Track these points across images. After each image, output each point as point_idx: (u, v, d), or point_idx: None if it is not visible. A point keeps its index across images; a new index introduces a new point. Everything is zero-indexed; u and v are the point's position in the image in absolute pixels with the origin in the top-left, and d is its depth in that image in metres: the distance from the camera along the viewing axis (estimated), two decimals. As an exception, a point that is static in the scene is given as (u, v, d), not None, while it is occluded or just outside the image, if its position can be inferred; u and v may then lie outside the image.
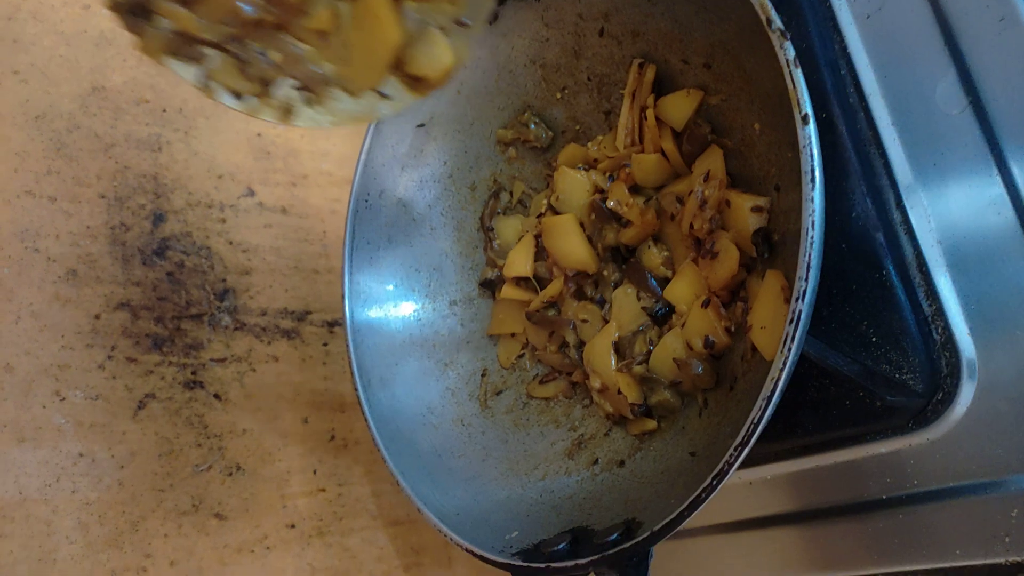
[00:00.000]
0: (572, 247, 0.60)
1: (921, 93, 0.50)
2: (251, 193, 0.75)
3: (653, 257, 0.57)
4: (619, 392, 0.55)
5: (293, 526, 0.67)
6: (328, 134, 0.82)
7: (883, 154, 0.51)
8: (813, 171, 0.38)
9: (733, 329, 0.52)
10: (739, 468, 0.39)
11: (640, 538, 0.42)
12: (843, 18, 0.53)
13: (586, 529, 0.50)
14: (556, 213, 0.62)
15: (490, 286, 0.67)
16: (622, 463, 0.55)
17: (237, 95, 0.40)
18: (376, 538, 0.71)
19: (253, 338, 0.71)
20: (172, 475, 0.63)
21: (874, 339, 0.49)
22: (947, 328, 0.48)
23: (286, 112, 0.41)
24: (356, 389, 0.59)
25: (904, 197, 0.50)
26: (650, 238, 0.57)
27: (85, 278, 0.63)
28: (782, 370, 0.38)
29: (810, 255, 0.38)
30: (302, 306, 0.75)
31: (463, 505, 0.55)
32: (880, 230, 0.49)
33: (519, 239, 0.65)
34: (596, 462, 0.57)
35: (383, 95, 0.40)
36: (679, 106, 0.55)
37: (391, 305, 0.65)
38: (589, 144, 0.63)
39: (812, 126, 0.39)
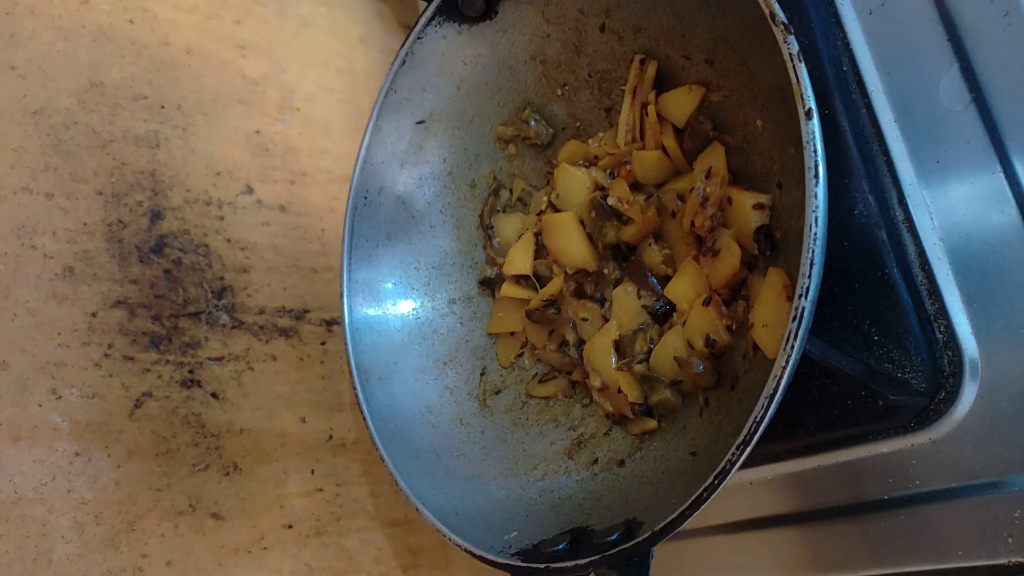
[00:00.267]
0: (572, 245, 0.59)
1: (924, 89, 0.49)
2: (249, 191, 0.75)
3: (654, 255, 0.56)
4: (619, 391, 0.55)
5: (290, 526, 0.67)
6: (327, 132, 0.82)
7: (885, 151, 0.51)
8: (817, 166, 0.38)
9: (734, 327, 0.51)
10: (740, 468, 0.39)
11: (641, 538, 0.42)
12: (846, 14, 0.53)
13: (586, 529, 0.49)
14: (556, 211, 0.62)
15: (489, 284, 0.67)
16: (622, 463, 0.55)
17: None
18: (374, 539, 0.71)
19: (251, 337, 0.70)
20: (169, 475, 0.62)
21: (876, 338, 0.48)
22: (950, 327, 0.47)
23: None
24: (354, 388, 0.59)
25: (907, 194, 0.50)
26: (651, 236, 0.57)
27: (82, 275, 0.63)
28: (785, 368, 0.37)
29: (813, 251, 0.37)
30: (300, 305, 0.74)
31: (462, 505, 0.55)
32: (882, 228, 0.49)
33: (519, 237, 0.65)
34: (596, 462, 0.56)
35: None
36: (680, 102, 0.55)
37: (390, 303, 0.65)
38: (590, 141, 0.62)
39: (816, 121, 0.38)
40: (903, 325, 0.47)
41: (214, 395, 0.66)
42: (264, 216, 0.75)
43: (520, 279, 0.64)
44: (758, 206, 0.49)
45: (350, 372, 0.60)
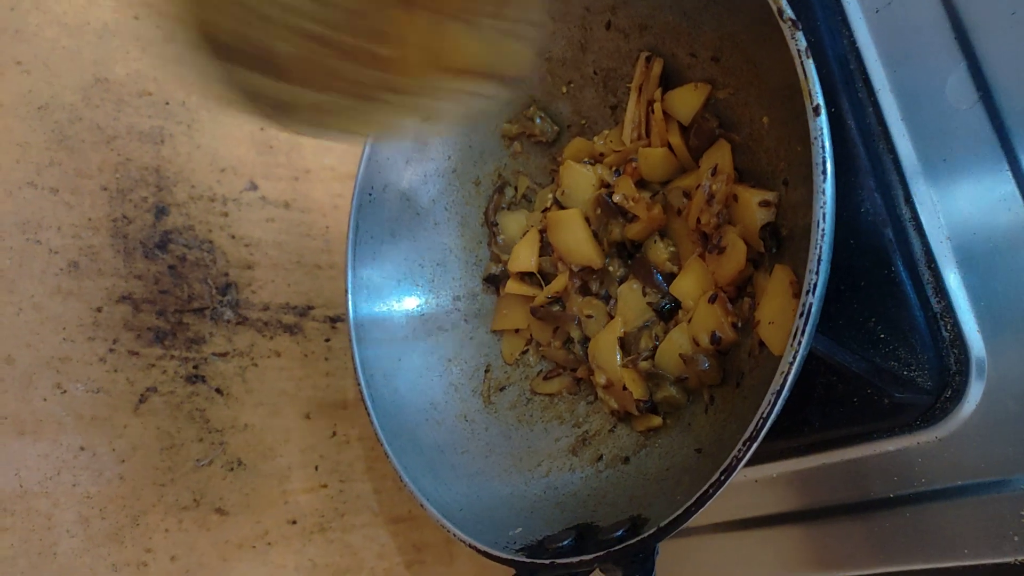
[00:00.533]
0: (577, 242, 0.59)
1: (931, 87, 0.49)
2: (254, 187, 0.75)
3: (659, 252, 0.56)
4: (624, 388, 0.55)
5: (294, 522, 0.67)
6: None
7: (892, 149, 0.50)
8: (825, 163, 0.38)
9: (740, 325, 0.51)
10: (745, 466, 0.39)
11: (646, 535, 0.42)
12: (852, 12, 0.53)
13: (591, 526, 0.49)
14: (561, 208, 0.62)
15: (494, 281, 0.67)
16: (627, 460, 0.55)
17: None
18: (378, 535, 0.71)
19: (255, 333, 0.70)
20: (173, 470, 0.62)
21: (882, 336, 0.48)
22: (956, 325, 0.47)
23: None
24: (359, 384, 0.59)
25: (913, 193, 0.50)
26: (656, 233, 0.57)
27: (87, 270, 0.63)
28: (792, 364, 0.37)
29: (821, 248, 0.37)
30: (304, 301, 0.74)
31: (466, 501, 0.55)
32: (889, 226, 0.49)
33: (523, 234, 0.65)
34: (601, 458, 0.56)
35: (472, 92, 0.42)
36: (686, 100, 0.55)
37: (394, 300, 0.65)
38: (595, 138, 0.62)
39: (824, 117, 0.38)
40: (909, 323, 0.47)
41: (218, 391, 0.66)
42: (268, 212, 0.75)
43: (525, 276, 0.64)
44: (764, 203, 0.49)
45: (354, 368, 0.60)
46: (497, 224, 0.67)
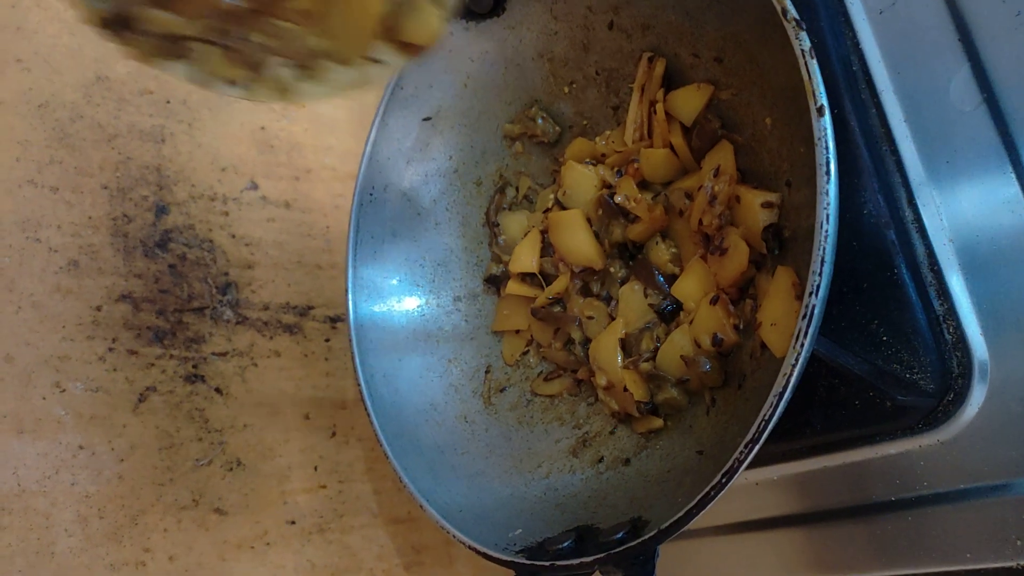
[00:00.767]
0: (578, 243, 0.59)
1: (934, 89, 0.49)
2: (254, 186, 0.74)
3: (661, 253, 0.56)
4: (625, 389, 0.55)
5: (293, 522, 0.67)
6: (332, 128, 0.82)
7: (895, 151, 0.50)
8: (828, 163, 0.38)
9: (742, 327, 0.51)
10: (746, 468, 0.39)
11: (646, 537, 0.42)
12: (856, 13, 0.53)
13: (591, 528, 0.49)
14: (563, 208, 0.62)
15: (495, 282, 0.67)
16: (628, 461, 0.55)
17: (231, 82, 0.40)
18: (377, 536, 0.71)
19: (255, 332, 0.70)
20: (172, 469, 0.62)
21: (884, 338, 0.48)
22: (959, 328, 0.47)
23: (282, 90, 0.41)
24: (359, 384, 0.59)
25: (916, 195, 0.49)
26: (658, 234, 0.57)
27: (87, 269, 0.63)
28: (794, 366, 0.37)
29: (824, 249, 0.37)
30: (304, 301, 0.74)
31: (466, 502, 0.55)
32: (892, 228, 0.48)
33: (525, 235, 0.65)
34: (601, 460, 0.56)
35: (376, 60, 0.41)
36: (689, 101, 0.55)
37: (395, 300, 0.65)
38: (597, 139, 0.62)
39: (827, 118, 0.38)
40: (912, 326, 0.47)
41: (218, 390, 0.66)
42: (269, 212, 0.75)
43: (526, 277, 0.64)
44: (767, 204, 0.49)
45: (354, 369, 0.59)
46: (498, 224, 0.67)
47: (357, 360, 0.60)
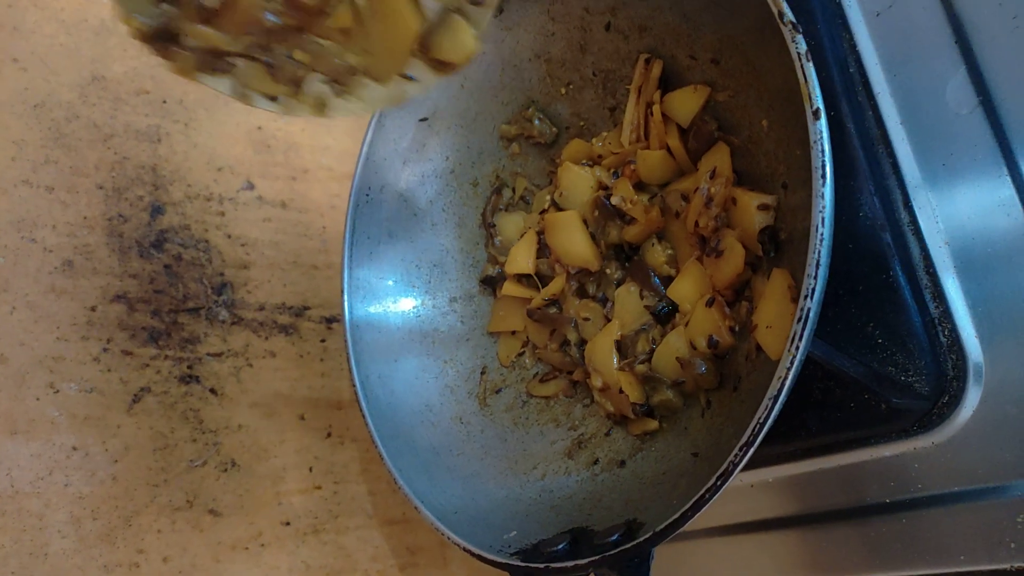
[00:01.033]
0: (575, 244, 0.59)
1: (931, 92, 0.49)
2: (251, 187, 0.74)
3: (657, 255, 0.56)
4: (621, 391, 0.55)
5: (288, 523, 0.66)
6: (329, 128, 0.82)
7: (891, 153, 0.50)
8: (824, 166, 0.38)
9: (737, 329, 0.51)
10: (741, 470, 0.39)
11: (641, 539, 0.42)
12: (852, 15, 0.53)
13: (586, 530, 0.49)
14: (559, 209, 0.62)
15: (491, 283, 0.67)
16: (623, 463, 0.55)
17: (272, 98, 0.41)
18: (372, 537, 0.70)
19: (250, 333, 0.70)
20: (166, 470, 0.62)
21: (880, 341, 0.48)
22: (954, 330, 0.47)
23: (320, 106, 0.42)
24: (354, 385, 0.59)
25: (912, 197, 0.50)
26: (654, 236, 0.57)
27: (81, 269, 0.63)
28: (789, 369, 0.37)
29: (820, 252, 0.37)
30: (300, 301, 0.74)
31: (461, 504, 0.55)
32: (887, 230, 0.48)
33: (521, 236, 0.65)
34: (596, 462, 0.56)
35: (410, 78, 0.41)
36: (686, 102, 0.55)
37: (391, 301, 0.65)
38: (594, 140, 0.62)
39: (823, 121, 0.38)
40: (907, 328, 0.47)
41: (213, 391, 0.66)
42: (265, 212, 0.74)
43: (522, 278, 0.64)
44: (763, 207, 0.49)
45: (350, 370, 0.59)
46: (495, 225, 0.67)
47: (352, 361, 0.60)
